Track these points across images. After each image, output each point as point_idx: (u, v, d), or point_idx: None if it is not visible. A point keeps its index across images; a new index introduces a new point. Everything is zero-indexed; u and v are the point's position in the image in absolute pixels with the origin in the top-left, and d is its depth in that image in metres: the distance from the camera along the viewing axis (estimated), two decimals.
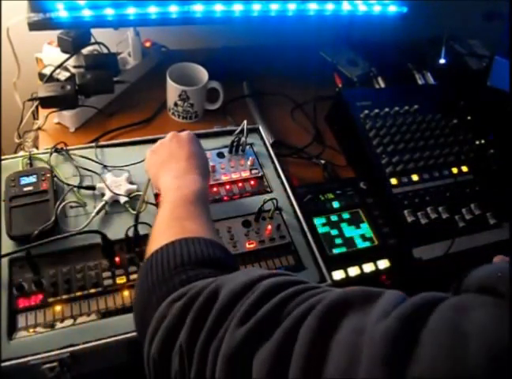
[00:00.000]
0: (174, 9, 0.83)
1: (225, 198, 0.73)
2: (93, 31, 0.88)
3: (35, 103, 0.82)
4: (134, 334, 0.54)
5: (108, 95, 0.90)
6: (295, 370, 0.27)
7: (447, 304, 0.27)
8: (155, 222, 0.51)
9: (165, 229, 0.48)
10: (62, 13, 0.75)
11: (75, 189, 0.67)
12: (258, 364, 0.29)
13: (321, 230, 0.75)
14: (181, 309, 0.36)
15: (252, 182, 0.76)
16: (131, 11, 0.80)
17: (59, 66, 0.84)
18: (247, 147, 0.81)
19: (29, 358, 0.51)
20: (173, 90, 0.89)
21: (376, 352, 0.25)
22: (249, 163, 0.78)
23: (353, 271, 0.72)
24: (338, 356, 0.27)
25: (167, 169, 0.59)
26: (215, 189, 0.74)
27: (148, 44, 1.03)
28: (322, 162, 0.89)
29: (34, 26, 0.74)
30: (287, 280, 0.35)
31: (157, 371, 0.36)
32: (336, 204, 0.79)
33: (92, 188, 0.68)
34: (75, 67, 0.85)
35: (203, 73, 0.91)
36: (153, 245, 0.45)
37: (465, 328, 0.25)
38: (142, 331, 0.39)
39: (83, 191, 0.68)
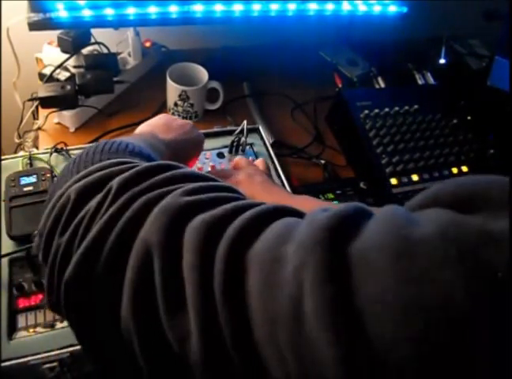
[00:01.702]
0: (174, 9, 0.83)
1: None
2: (93, 31, 0.88)
3: (35, 103, 0.82)
4: None
5: (108, 95, 0.90)
6: (227, 238, 0.26)
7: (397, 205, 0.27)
8: None
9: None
10: (62, 13, 0.75)
11: None
12: (198, 221, 0.28)
13: None
14: (128, 167, 0.33)
15: None
16: (131, 11, 0.80)
17: (59, 66, 0.84)
18: (247, 147, 0.81)
19: (29, 358, 0.51)
20: (173, 90, 0.89)
21: (312, 231, 0.24)
22: None
23: None
24: (271, 233, 0.26)
25: (151, 128, 0.57)
26: None
27: (148, 44, 1.03)
28: (322, 162, 0.89)
29: (34, 26, 0.74)
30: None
31: (61, 210, 0.32)
32: (336, 204, 0.79)
33: None
34: (75, 67, 0.85)
35: (203, 73, 0.91)
36: None
37: (415, 215, 0.24)
38: (64, 178, 0.36)
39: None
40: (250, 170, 0.63)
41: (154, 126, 0.58)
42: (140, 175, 0.32)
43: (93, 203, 0.31)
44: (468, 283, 0.20)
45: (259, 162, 0.68)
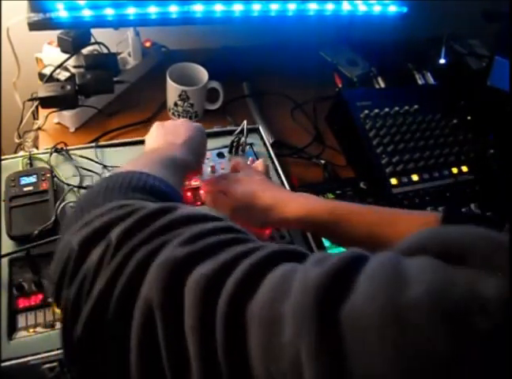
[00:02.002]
0: (174, 9, 0.83)
1: None
2: (93, 31, 0.88)
3: (35, 103, 0.82)
4: None
5: (108, 95, 0.90)
6: (226, 295, 0.27)
7: (386, 252, 0.27)
8: None
9: (132, 166, 0.46)
10: (62, 13, 0.75)
11: (75, 189, 0.67)
12: (196, 277, 0.28)
13: None
14: (126, 213, 0.33)
15: None
16: (131, 11, 0.80)
17: (59, 66, 0.84)
18: (247, 147, 0.81)
19: (29, 358, 0.51)
20: (173, 90, 0.89)
21: (305, 291, 0.25)
22: (249, 163, 0.78)
23: None
24: (268, 287, 0.27)
25: (161, 139, 0.58)
26: None
27: (148, 44, 1.03)
28: (322, 162, 0.89)
29: (34, 26, 0.74)
30: (245, 236, 0.34)
31: (67, 260, 0.33)
32: None
33: None
34: (75, 67, 0.85)
35: (203, 73, 0.91)
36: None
37: (405, 270, 0.24)
38: (70, 222, 0.37)
39: (83, 191, 0.68)
40: (249, 170, 0.66)
41: (166, 136, 0.59)
42: (137, 224, 0.32)
43: (95, 257, 0.32)
44: (456, 341, 0.20)
45: (258, 163, 0.69)
